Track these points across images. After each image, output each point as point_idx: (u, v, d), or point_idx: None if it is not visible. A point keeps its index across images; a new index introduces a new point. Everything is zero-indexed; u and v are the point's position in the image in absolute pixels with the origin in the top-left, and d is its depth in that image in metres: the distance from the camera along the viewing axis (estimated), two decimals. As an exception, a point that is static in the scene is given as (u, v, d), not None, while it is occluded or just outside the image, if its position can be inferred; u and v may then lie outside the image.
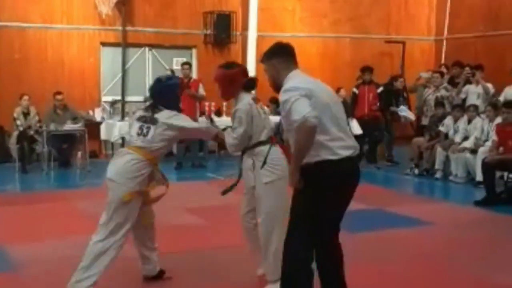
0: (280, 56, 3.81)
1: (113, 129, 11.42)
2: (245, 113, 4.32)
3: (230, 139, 4.42)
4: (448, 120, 10.14)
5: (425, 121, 11.06)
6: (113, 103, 12.68)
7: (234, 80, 4.43)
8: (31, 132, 10.86)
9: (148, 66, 13.20)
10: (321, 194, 3.56)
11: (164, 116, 4.44)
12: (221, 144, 4.89)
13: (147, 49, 13.19)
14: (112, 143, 11.77)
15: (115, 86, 12.77)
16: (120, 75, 12.68)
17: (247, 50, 13.35)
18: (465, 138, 9.73)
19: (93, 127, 11.72)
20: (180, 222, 6.84)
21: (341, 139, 3.61)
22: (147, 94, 5.25)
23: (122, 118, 11.92)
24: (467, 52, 13.84)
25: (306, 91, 3.52)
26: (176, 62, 12.86)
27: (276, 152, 4.35)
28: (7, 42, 11.83)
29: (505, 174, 8.44)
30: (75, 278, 4.23)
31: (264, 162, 4.27)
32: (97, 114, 12.32)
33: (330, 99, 3.72)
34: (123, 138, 11.41)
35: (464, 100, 10.85)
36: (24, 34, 11.96)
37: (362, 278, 3.61)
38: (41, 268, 5.19)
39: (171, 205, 6.27)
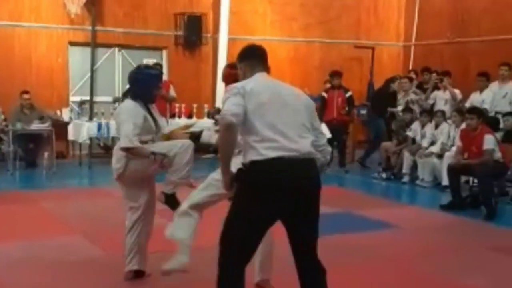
0: (249, 59, 3.76)
1: (81, 129, 11.22)
2: None
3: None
4: (416, 125, 10.28)
5: (394, 126, 11.18)
6: (81, 103, 12.54)
7: (237, 80, 4.47)
8: (-3, 131, 10.70)
9: (118, 67, 13.08)
10: (252, 195, 3.38)
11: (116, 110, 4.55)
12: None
13: (116, 49, 13.08)
14: (80, 144, 11.60)
15: (83, 86, 12.62)
16: (89, 75, 12.56)
17: (218, 53, 13.31)
18: (432, 143, 9.88)
19: (61, 127, 11.54)
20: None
21: (273, 141, 3.37)
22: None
23: (90, 118, 11.75)
24: (435, 58, 14.07)
25: (241, 89, 3.43)
26: (146, 63, 12.77)
27: None
28: (-27, 39, 11.64)
29: (471, 178, 8.59)
30: None
31: None
32: (65, 114, 12.14)
33: (278, 100, 3.49)
34: (91, 139, 11.30)
35: (433, 105, 11.04)
36: (-9, 32, 11.80)
37: (330, 281, 3.62)
38: (6, 269, 5.09)
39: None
